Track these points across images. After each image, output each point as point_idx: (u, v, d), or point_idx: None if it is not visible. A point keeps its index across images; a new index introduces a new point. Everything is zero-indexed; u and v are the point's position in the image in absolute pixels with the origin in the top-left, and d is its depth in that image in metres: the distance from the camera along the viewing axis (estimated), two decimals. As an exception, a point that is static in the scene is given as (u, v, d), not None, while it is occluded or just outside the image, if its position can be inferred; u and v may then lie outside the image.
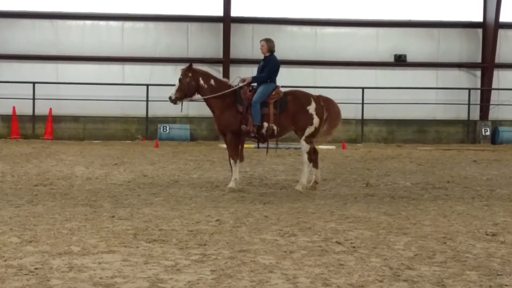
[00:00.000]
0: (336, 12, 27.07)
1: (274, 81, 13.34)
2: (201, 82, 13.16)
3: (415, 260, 7.55)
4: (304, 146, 13.25)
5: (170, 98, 13.19)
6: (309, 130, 13.19)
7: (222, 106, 13.08)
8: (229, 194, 12.50)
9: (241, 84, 13.19)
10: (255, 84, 13.25)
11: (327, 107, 13.39)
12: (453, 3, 27.38)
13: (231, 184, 12.92)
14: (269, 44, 13.43)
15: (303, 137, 13.19)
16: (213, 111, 13.26)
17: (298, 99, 13.30)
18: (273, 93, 13.15)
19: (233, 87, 13.21)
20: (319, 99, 13.42)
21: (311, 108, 13.25)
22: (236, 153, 13.08)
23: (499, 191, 13.44)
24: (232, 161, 13.05)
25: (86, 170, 15.79)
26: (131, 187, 13.25)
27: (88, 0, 26.26)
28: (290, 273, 6.89)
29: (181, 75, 13.17)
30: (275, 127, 13.09)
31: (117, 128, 26.11)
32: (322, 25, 27.15)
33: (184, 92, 13.16)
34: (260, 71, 13.39)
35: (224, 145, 22.96)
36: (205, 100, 13.29)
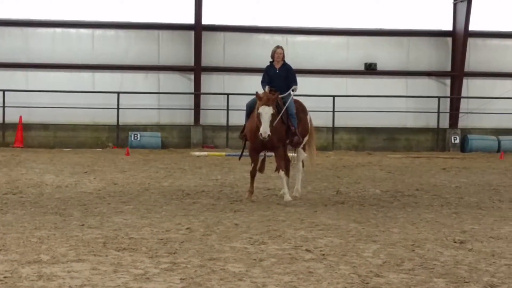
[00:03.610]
0: (307, 21, 27.18)
1: None
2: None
3: (383, 267, 7.61)
4: (303, 154, 13.45)
5: (268, 135, 12.12)
6: (306, 138, 13.43)
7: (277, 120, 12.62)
8: (199, 202, 12.49)
9: (293, 93, 12.84)
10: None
11: None
12: (423, 12, 27.62)
13: (288, 197, 12.70)
14: (284, 52, 13.20)
15: (301, 145, 13.29)
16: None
17: (302, 108, 13.43)
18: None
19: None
20: None
21: (309, 117, 13.55)
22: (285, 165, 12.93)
23: (468, 198, 13.58)
24: (282, 173, 12.77)
25: (56, 178, 15.70)
26: (101, 195, 13.20)
27: (58, 7, 26.11)
28: (260, 281, 6.92)
29: (272, 109, 12.23)
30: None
31: (87, 136, 25.98)
32: (293, 33, 27.26)
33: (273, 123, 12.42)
34: (282, 79, 12.94)
35: (197, 153, 23.15)
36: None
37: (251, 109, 12.98)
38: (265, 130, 12.11)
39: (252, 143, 12.91)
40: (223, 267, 7.44)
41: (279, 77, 13.01)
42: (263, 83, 13.11)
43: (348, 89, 27.02)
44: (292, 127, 12.87)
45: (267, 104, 12.25)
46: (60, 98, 25.47)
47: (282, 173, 12.86)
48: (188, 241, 8.84)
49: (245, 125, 13.28)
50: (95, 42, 26.39)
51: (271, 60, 13.19)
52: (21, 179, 15.53)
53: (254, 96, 13.23)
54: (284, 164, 13.57)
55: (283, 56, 13.12)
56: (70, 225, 9.91)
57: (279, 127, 12.62)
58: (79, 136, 25.95)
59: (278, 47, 13.22)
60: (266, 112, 12.19)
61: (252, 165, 12.98)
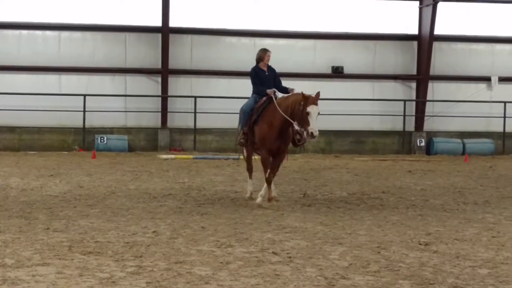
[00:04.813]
0: (274, 24, 27.23)
1: None
2: None
3: (349, 269, 7.66)
4: None
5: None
6: None
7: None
8: (166, 205, 12.46)
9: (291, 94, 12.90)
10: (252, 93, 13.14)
11: None
12: (389, 16, 27.81)
13: (262, 201, 12.67)
14: None
15: None
16: (287, 130, 12.68)
17: None
18: None
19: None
20: None
21: None
22: None
23: (433, 201, 13.71)
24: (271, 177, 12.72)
25: (21, 181, 15.56)
26: (67, 198, 13.11)
27: (24, 9, 25.89)
28: (226, 284, 6.92)
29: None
30: None
31: (53, 138, 25.76)
32: (261, 36, 27.26)
33: None
34: (271, 80, 13.07)
35: (164, 156, 23.07)
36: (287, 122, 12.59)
37: (250, 114, 12.91)
38: (316, 129, 12.16)
39: (270, 148, 12.69)
40: (190, 271, 7.43)
41: (270, 79, 13.13)
42: (256, 84, 13.07)
43: (315, 92, 26.92)
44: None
45: (315, 103, 12.32)
46: (25, 100, 25.22)
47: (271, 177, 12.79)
48: (154, 244, 8.81)
49: (242, 131, 13.04)
50: (61, 44, 26.18)
51: (257, 63, 13.20)
52: (-14, 182, 15.37)
53: (247, 100, 13.18)
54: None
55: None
56: (35, 228, 9.83)
57: (289, 129, 12.70)
58: (45, 139, 25.72)
59: (267, 50, 13.29)
60: (315, 111, 12.26)
61: (269, 170, 12.67)
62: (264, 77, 13.10)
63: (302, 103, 12.25)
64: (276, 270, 7.54)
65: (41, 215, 11.10)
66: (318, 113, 12.33)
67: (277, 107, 12.55)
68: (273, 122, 12.57)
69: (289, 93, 13.01)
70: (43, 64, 25.87)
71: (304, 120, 12.22)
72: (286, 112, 12.42)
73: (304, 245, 8.94)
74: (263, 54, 13.19)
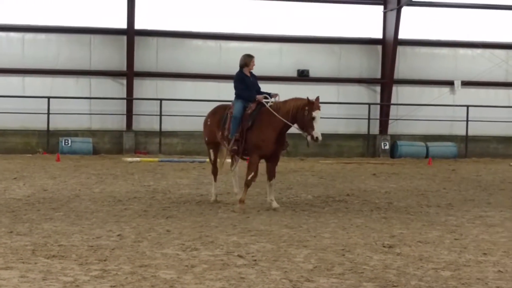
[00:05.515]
0: (240, 27, 27.25)
1: None
2: None
3: (314, 272, 7.70)
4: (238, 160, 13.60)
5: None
6: None
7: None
8: (131, 208, 12.41)
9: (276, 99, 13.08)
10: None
11: None
12: (354, 20, 27.98)
13: (276, 204, 12.84)
14: None
15: None
16: (284, 135, 12.97)
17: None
18: None
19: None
20: None
21: None
22: None
23: (397, 203, 13.83)
24: (274, 180, 12.99)
25: (-16, 185, 15.41)
26: (30, 201, 13.00)
27: (-13, 10, 25.63)
28: None
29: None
30: None
31: (17, 141, 25.49)
32: (227, 39, 27.30)
33: None
34: (255, 85, 13.20)
35: (129, 159, 22.95)
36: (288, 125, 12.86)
37: (240, 120, 12.82)
38: (320, 133, 12.62)
39: (266, 152, 12.77)
40: (154, 274, 7.42)
41: (253, 84, 13.21)
42: (243, 90, 13.04)
43: (281, 95, 26.91)
44: None
45: (319, 108, 12.62)
46: (-12, 102, 24.97)
47: (274, 180, 12.97)
48: (119, 248, 8.78)
49: (234, 138, 12.81)
50: (25, 46, 25.94)
51: (241, 68, 13.22)
52: None
53: (234, 106, 13.03)
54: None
55: None
56: (-2, 232, 9.74)
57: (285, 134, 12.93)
58: (8, 142, 25.45)
59: (252, 56, 13.35)
60: (319, 116, 12.61)
61: (253, 174, 12.69)
62: (249, 82, 13.18)
63: (307, 108, 12.52)
64: (241, 273, 7.56)
65: (4, 218, 10.99)
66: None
67: (274, 112, 12.69)
68: (272, 127, 12.70)
69: (271, 98, 13.06)
70: (6, 66, 25.62)
71: (309, 124, 12.58)
72: (286, 116, 12.67)
73: (269, 248, 8.97)
74: (248, 60, 13.26)
